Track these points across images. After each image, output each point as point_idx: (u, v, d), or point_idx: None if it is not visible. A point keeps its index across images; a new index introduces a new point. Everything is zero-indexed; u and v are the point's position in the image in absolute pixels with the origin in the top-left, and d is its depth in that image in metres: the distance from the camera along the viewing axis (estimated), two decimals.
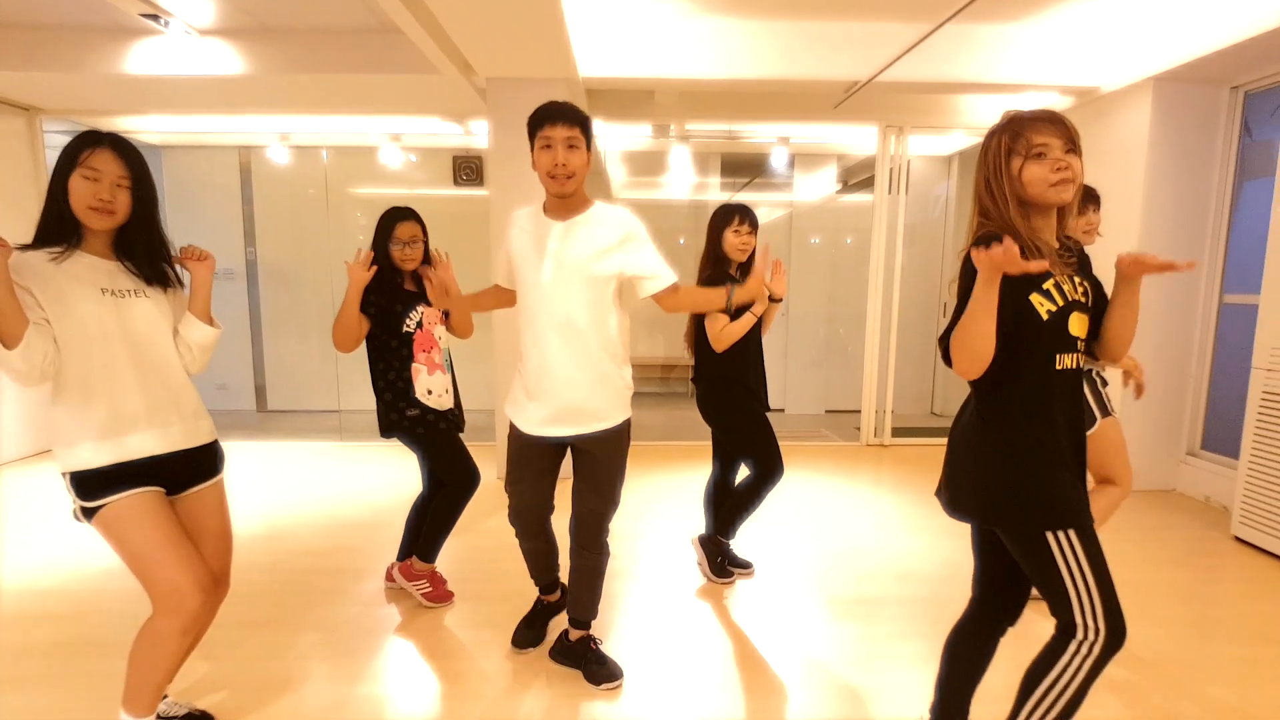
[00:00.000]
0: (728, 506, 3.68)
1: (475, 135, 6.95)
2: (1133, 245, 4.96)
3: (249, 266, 8.00)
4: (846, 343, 8.13)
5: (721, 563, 3.76)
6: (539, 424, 2.59)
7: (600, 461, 2.62)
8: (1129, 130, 5.07)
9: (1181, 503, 5.01)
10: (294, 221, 7.93)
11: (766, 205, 8.15)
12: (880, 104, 6.06)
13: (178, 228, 7.86)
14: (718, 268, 3.49)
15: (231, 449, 6.25)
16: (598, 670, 2.80)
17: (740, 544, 4.03)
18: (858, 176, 8.11)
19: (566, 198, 2.44)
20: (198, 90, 5.59)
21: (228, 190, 7.91)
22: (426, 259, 3.29)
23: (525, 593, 3.26)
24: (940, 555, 4.09)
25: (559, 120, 2.35)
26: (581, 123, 2.38)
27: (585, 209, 2.49)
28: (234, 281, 8.00)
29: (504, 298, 2.87)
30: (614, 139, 7.17)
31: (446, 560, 3.77)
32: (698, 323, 3.57)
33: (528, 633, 3.07)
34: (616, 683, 2.79)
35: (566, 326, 2.46)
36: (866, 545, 4.23)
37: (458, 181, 7.78)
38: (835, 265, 8.10)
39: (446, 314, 3.38)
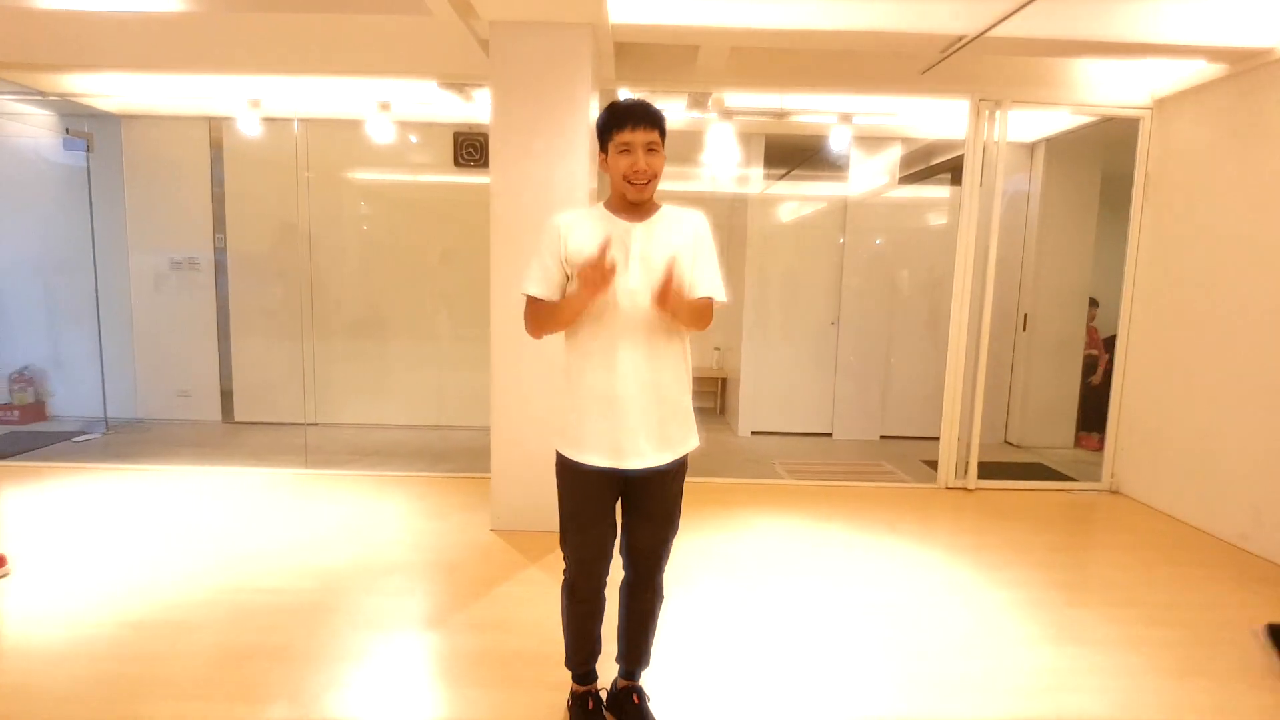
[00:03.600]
0: None
1: (480, 106, 5.86)
2: None
3: (217, 255, 6.97)
4: (907, 358, 7.03)
5: None
6: (616, 454, 2.31)
7: (670, 489, 2.44)
8: None
9: None
10: (270, 205, 6.87)
11: (815, 198, 7.05)
12: (977, 71, 4.95)
13: (136, 210, 6.86)
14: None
15: (189, 476, 5.31)
16: None
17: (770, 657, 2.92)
18: (916, 165, 7.01)
19: (641, 203, 2.32)
20: (145, 38, 4.74)
21: (195, 168, 6.87)
22: None
23: None
24: (1116, 694, 2.96)
25: (641, 122, 2.22)
26: (661, 125, 2.27)
27: (658, 209, 2.37)
28: (199, 273, 6.99)
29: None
30: None
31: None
32: None
33: None
34: None
35: (649, 338, 2.29)
36: (980, 672, 3.11)
37: (459, 162, 6.73)
38: (894, 269, 7.00)
39: None
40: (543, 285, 2.35)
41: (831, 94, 5.37)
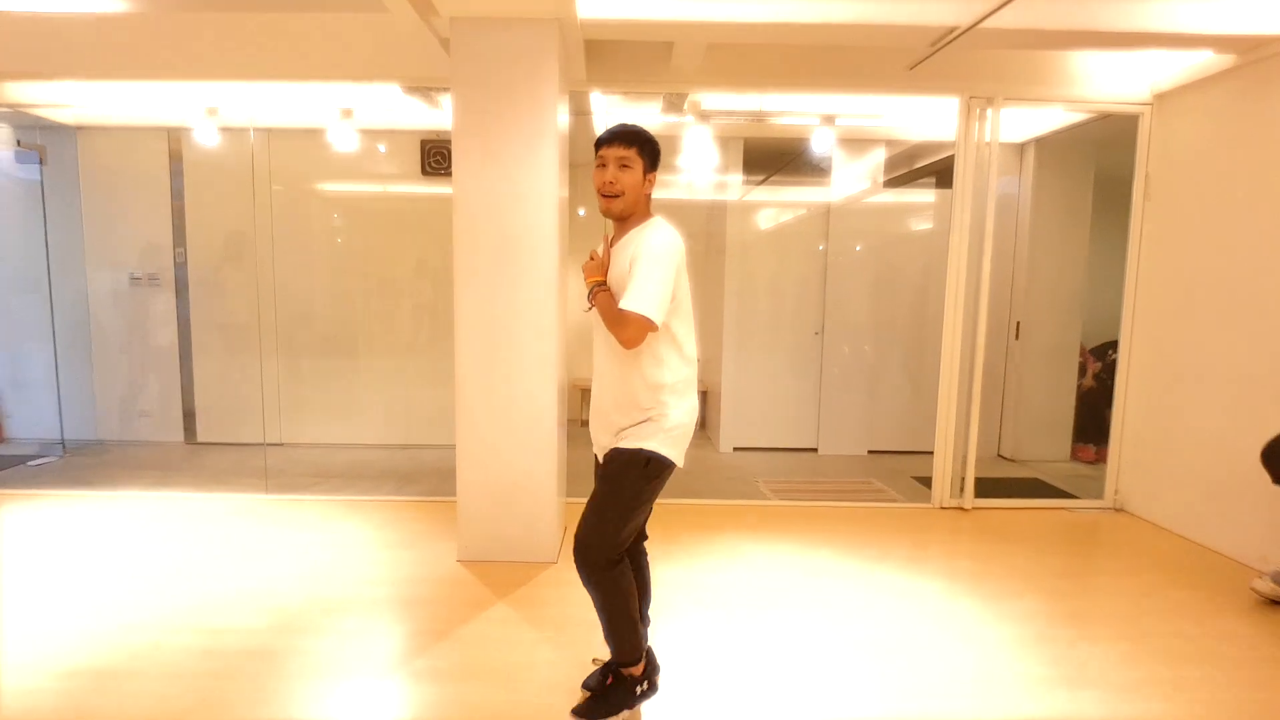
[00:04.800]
0: None
1: (447, 112, 5.59)
2: None
3: (178, 271, 6.66)
4: (895, 369, 6.79)
5: None
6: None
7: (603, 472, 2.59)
8: None
9: None
10: (232, 218, 6.57)
11: (796, 204, 6.80)
12: (967, 67, 4.71)
13: (93, 224, 6.57)
14: None
15: (144, 503, 4.97)
16: (592, 705, 2.60)
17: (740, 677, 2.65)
18: (902, 168, 6.78)
19: (615, 219, 2.51)
20: (95, 43, 4.54)
21: (154, 180, 6.58)
22: None
23: None
24: None
25: (616, 139, 2.43)
26: (641, 143, 2.44)
27: (639, 225, 2.48)
28: (160, 289, 6.69)
29: None
30: (615, 120, 5.80)
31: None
32: None
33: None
34: None
35: (607, 344, 2.49)
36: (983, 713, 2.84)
37: (427, 171, 6.48)
38: (879, 276, 6.75)
39: None
40: None
41: (813, 93, 5.14)
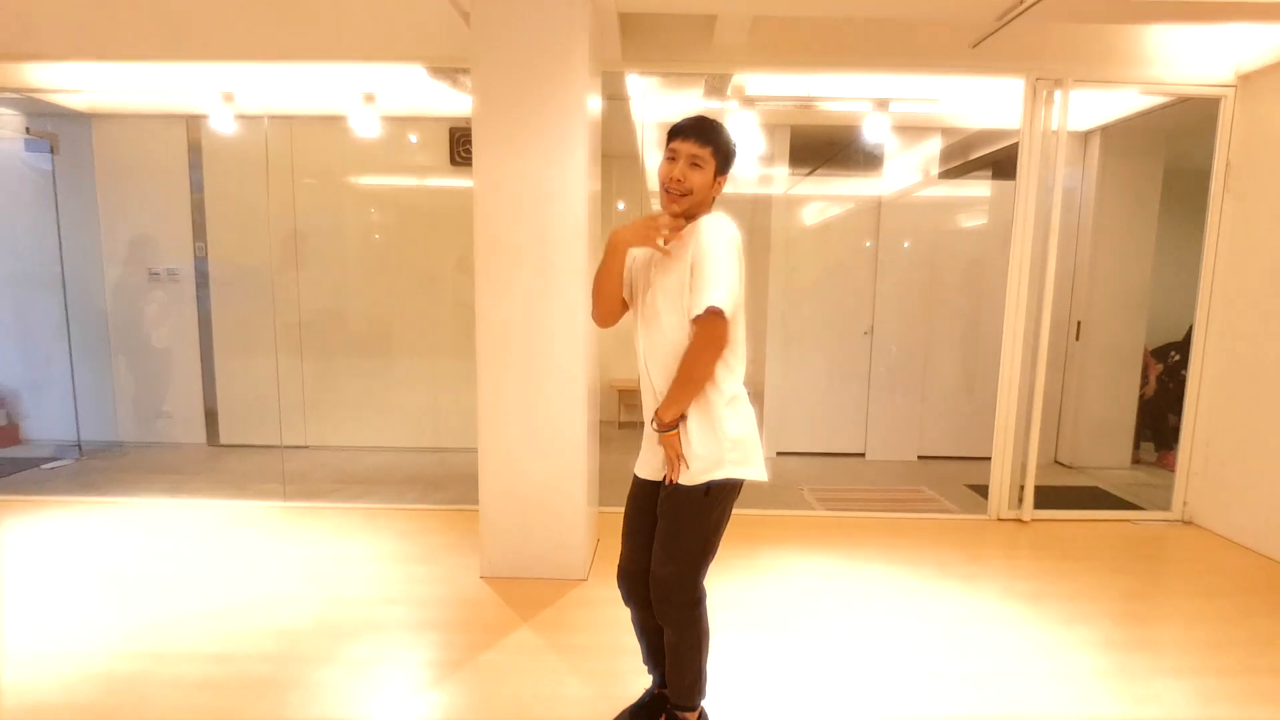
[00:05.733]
0: None
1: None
2: None
3: (198, 266, 6.43)
4: (948, 371, 6.42)
5: None
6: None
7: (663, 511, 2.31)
8: None
9: None
10: (254, 211, 6.32)
11: (846, 197, 6.44)
12: (1034, 45, 4.34)
13: (110, 217, 6.38)
14: None
15: (157, 510, 4.73)
16: None
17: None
18: (958, 159, 6.40)
19: (677, 217, 2.23)
20: (103, 22, 4.33)
21: (173, 171, 6.34)
22: None
23: None
24: None
25: (691, 134, 2.19)
26: (718, 143, 2.21)
27: (693, 223, 2.23)
28: (179, 284, 6.46)
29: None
30: (653, 106, 5.51)
31: None
32: None
33: None
34: None
35: (656, 347, 2.27)
36: None
37: (456, 160, 6.19)
38: (932, 273, 6.38)
39: None
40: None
41: (867, 73, 4.76)
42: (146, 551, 4.07)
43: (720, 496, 2.24)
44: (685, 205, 2.19)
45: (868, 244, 6.37)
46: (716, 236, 2.13)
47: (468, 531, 4.29)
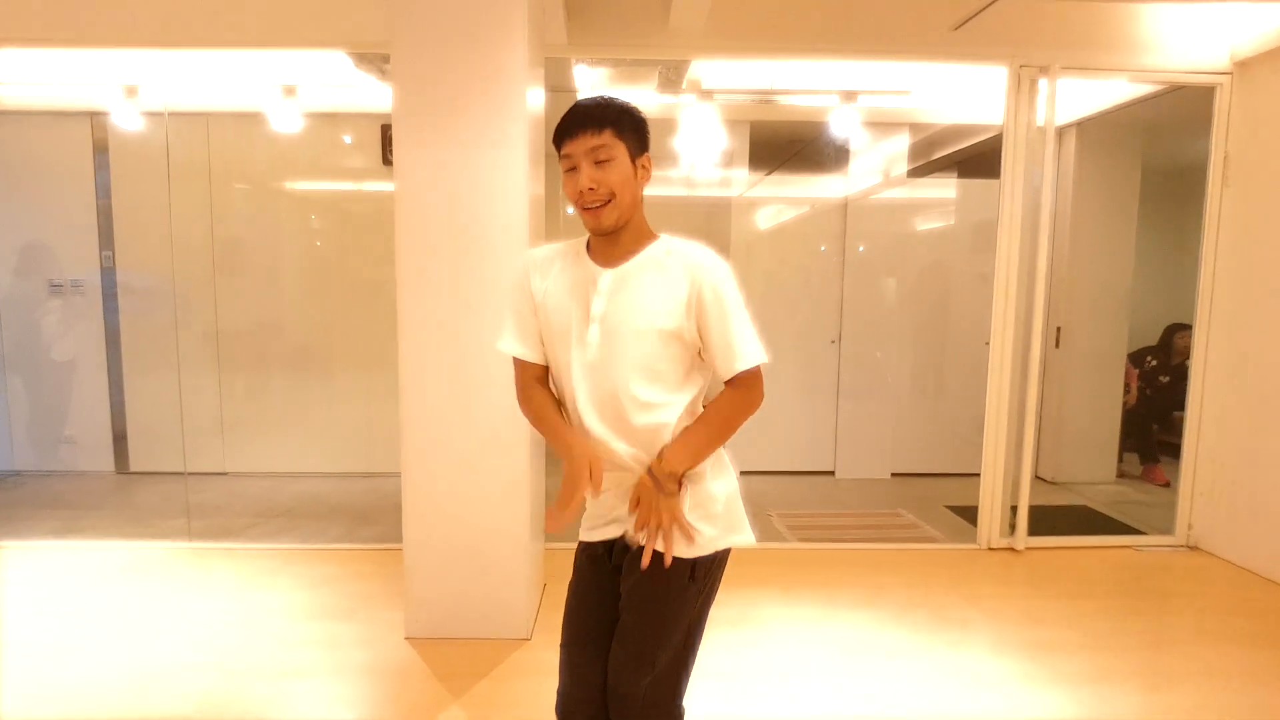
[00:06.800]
0: None
1: None
2: None
3: (105, 276, 5.84)
4: (922, 381, 6.04)
5: None
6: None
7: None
8: None
9: None
10: (166, 217, 5.69)
11: (809, 200, 6.03)
12: (1019, 30, 3.95)
13: (7, 224, 5.81)
14: None
15: (38, 556, 4.12)
16: None
17: None
18: (928, 155, 6.03)
19: (611, 235, 1.69)
20: None
21: (77, 173, 5.75)
22: None
23: None
24: None
25: (583, 126, 1.62)
26: (614, 121, 1.63)
27: (647, 245, 1.72)
28: (84, 296, 5.87)
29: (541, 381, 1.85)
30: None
31: None
32: None
33: None
34: None
35: (610, 414, 1.69)
36: None
37: (388, 160, 5.66)
38: (902, 277, 6.00)
39: None
40: (519, 341, 1.83)
41: (836, 59, 4.31)
42: (19, 607, 3.50)
43: (709, 575, 1.77)
44: (616, 213, 1.65)
45: (823, 248, 5.96)
46: (723, 277, 1.69)
47: (395, 576, 3.75)
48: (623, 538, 1.77)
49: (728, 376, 1.70)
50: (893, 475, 5.99)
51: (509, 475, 3.18)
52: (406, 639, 3.21)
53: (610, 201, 1.64)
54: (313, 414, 5.96)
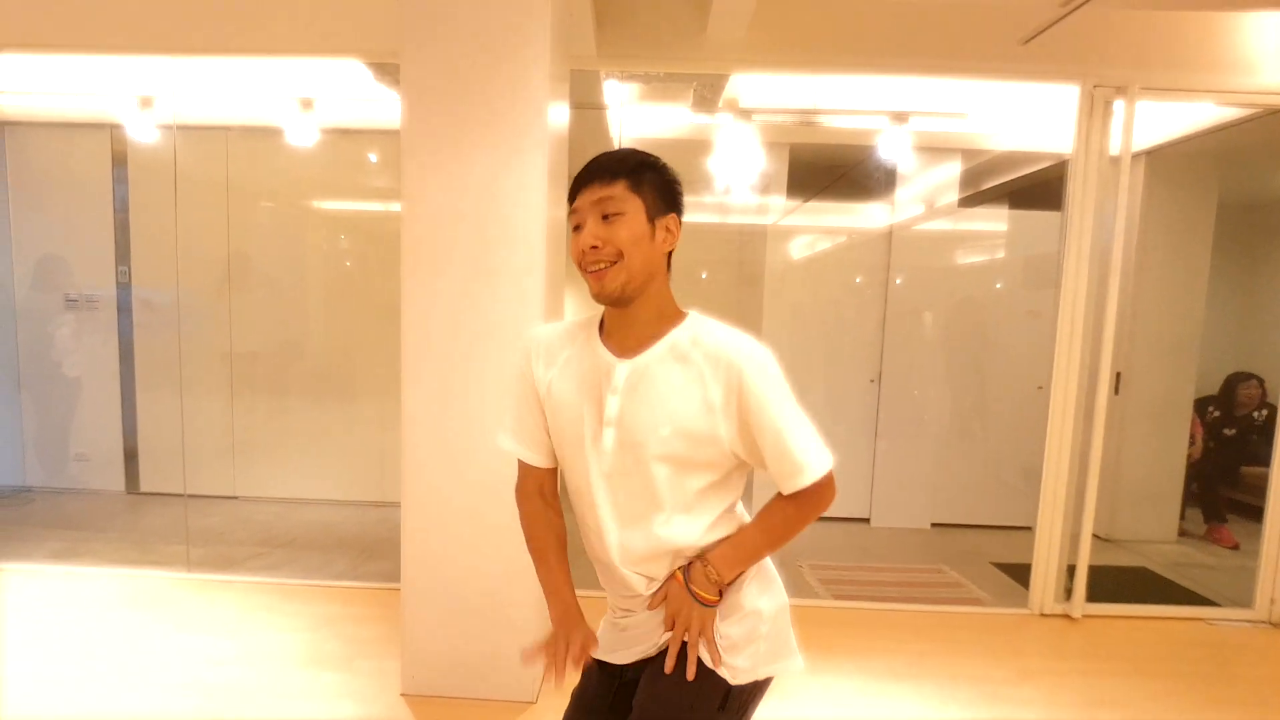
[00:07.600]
0: None
1: None
2: None
3: (120, 292, 5.69)
4: (966, 426, 5.66)
5: None
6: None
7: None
8: None
9: None
10: (184, 232, 5.52)
11: (849, 228, 5.72)
12: (1093, 46, 3.62)
13: (23, 238, 5.68)
14: None
15: (36, 582, 3.98)
16: None
17: None
18: (975, 185, 5.68)
19: (621, 306, 1.45)
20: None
21: (94, 187, 5.61)
22: None
23: None
24: None
25: (592, 179, 1.43)
26: (630, 172, 1.42)
27: (667, 330, 1.46)
28: (98, 311, 5.72)
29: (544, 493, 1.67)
30: (633, 119, 4.78)
31: None
32: None
33: None
34: None
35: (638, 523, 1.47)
36: None
37: None
38: (949, 313, 5.64)
39: None
40: (519, 440, 1.62)
41: (890, 75, 3.97)
42: (12, 635, 3.28)
43: (743, 707, 1.51)
44: (623, 279, 1.41)
45: (858, 279, 5.64)
46: (766, 371, 1.41)
47: (396, 619, 3.46)
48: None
49: (791, 492, 1.45)
50: (933, 525, 5.60)
51: (515, 522, 2.89)
52: (402, 695, 2.92)
53: (617, 263, 1.41)
54: (326, 439, 5.73)
